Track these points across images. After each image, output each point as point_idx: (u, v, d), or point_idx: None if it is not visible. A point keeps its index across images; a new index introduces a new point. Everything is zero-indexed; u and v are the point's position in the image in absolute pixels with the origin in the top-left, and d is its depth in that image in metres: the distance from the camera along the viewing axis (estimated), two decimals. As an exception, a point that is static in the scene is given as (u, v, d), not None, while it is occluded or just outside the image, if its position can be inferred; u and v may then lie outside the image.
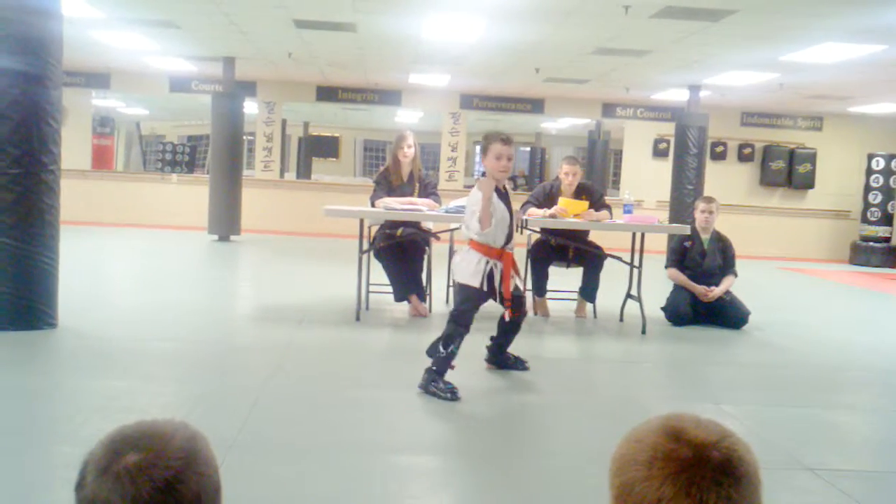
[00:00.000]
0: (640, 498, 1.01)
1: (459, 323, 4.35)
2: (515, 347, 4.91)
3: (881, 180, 14.09)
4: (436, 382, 4.24)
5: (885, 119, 14.48)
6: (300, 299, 7.23)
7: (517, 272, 4.62)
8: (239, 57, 11.88)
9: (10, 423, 3.61)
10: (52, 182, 5.26)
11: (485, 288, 4.41)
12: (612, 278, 6.98)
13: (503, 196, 4.50)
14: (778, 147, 14.91)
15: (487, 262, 4.42)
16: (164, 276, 8.81)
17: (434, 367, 4.30)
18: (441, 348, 4.31)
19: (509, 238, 4.52)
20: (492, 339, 4.90)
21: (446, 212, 6.26)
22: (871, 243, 14.21)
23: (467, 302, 4.41)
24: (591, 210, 6.50)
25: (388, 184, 6.54)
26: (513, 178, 24.43)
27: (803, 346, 6.36)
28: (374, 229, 6.73)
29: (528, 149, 25.37)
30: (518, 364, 4.92)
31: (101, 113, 18.15)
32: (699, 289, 6.76)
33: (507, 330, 4.80)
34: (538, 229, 6.63)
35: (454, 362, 4.30)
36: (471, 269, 4.43)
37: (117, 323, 5.87)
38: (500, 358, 4.91)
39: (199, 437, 1.13)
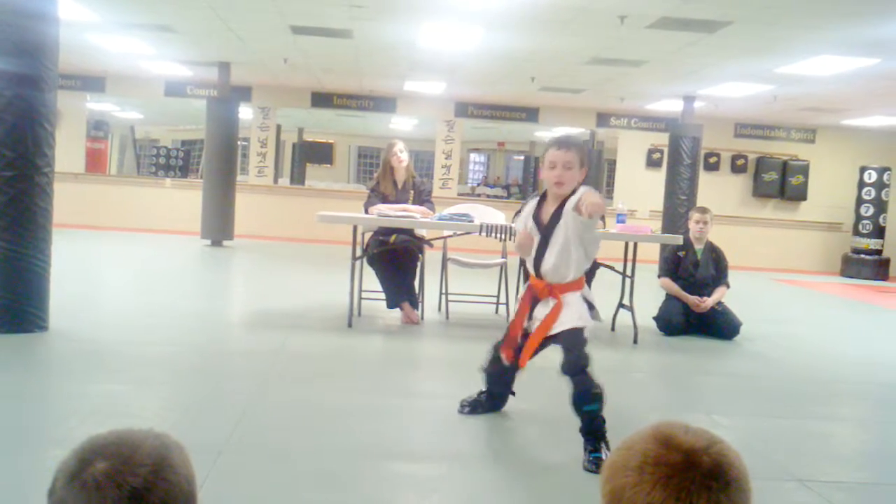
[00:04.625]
0: (630, 503, 1.02)
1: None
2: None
3: (873, 193, 14.15)
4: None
5: (877, 132, 14.56)
6: (292, 305, 7.22)
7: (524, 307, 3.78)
8: (234, 62, 11.89)
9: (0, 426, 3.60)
10: (45, 185, 5.25)
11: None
12: (605, 288, 6.98)
13: (553, 219, 3.66)
14: (771, 158, 14.97)
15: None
16: (157, 280, 8.78)
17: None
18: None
19: (538, 264, 3.71)
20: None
21: (440, 219, 6.27)
22: (863, 255, 14.27)
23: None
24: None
25: (383, 192, 6.54)
26: (506, 187, 24.48)
27: (795, 358, 6.38)
28: (368, 236, 6.73)
29: (522, 157, 25.43)
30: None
31: (96, 116, 18.14)
32: (692, 299, 6.77)
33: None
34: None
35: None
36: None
37: (109, 326, 5.85)
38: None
39: (171, 447, 1.12)
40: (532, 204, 3.79)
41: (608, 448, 3.46)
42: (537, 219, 3.71)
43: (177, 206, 14.04)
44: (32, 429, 3.58)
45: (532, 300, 3.72)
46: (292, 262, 11.10)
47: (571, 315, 3.61)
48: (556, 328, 3.60)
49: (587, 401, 3.51)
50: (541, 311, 3.67)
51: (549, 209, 3.67)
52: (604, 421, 3.53)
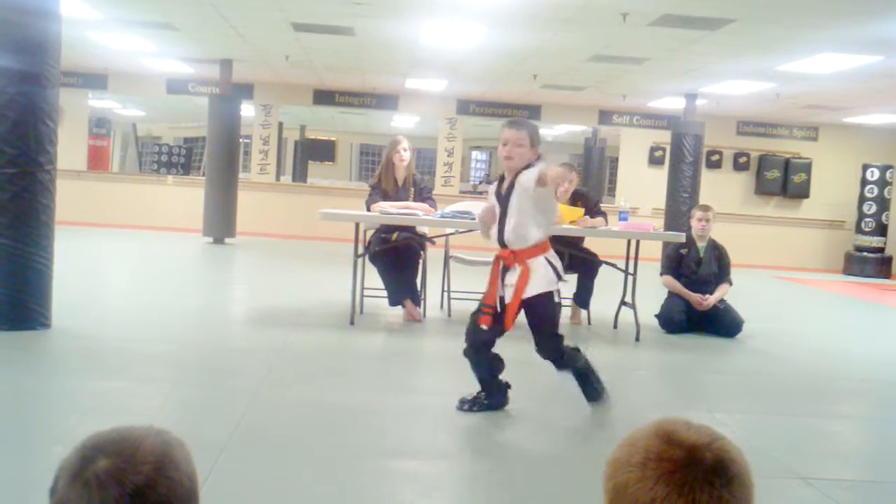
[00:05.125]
0: (633, 499, 1.02)
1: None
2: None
3: (875, 191, 14.13)
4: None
5: (880, 129, 14.53)
6: (295, 302, 7.22)
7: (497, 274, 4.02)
8: (236, 59, 11.88)
9: (1, 423, 3.60)
10: (47, 182, 5.25)
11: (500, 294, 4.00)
12: (607, 285, 6.99)
13: (508, 189, 3.99)
14: (773, 156, 14.95)
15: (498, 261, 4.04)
16: (159, 277, 8.79)
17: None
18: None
19: (501, 233, 3.99)
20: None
21: (442, 217, 6.27)
22: (865, 253, 14.26)
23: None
24: (587, 217, 6.51)
25: (384, 189, 6.54)
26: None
27: (797, 356, 6.37)
28: (370, 233, 6.73)
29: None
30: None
31: (98, 114, 18.10)
32: (694, 297, 6.76)
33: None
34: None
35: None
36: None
37: (111, 324, 5.85)
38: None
39: (173, 444, 1.12)
40: (493, 185, 4.17)
41: (600, 382, 4.16)
42: (497, 195, 4.06)
43: (179, 203, 14.05)
44: (34, 426, 3.59)
45: (501, 270, 3.99)
46: (294, 260, 11.10)
47: (539, 280, 3.91)
48: (528, 293, 3.89)
49: (570, 367, 4.11)
50: (511, 278, 3.93)
51: (505, 184, 4.01)
52: (590, 365, 4.16)
